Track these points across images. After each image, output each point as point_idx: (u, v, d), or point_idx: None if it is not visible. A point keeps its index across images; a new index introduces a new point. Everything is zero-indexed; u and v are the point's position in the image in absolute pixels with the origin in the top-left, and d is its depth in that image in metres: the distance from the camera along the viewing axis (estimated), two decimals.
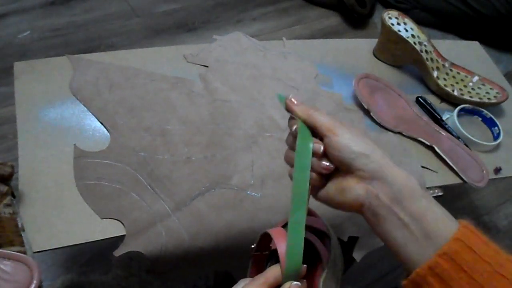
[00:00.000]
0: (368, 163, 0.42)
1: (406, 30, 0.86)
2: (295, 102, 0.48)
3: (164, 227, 0.59)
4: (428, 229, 0.39)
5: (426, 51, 0.85)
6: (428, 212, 0.40)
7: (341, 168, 0.44)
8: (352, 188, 0.43)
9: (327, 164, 0.44)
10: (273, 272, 0.42)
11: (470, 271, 0.36)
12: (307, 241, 0.45)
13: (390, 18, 0.86)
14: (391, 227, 0.41)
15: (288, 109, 0.49)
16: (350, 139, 0.43)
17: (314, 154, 0.44)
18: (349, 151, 0.42)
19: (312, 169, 0.45)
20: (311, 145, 0.45)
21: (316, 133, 0.46)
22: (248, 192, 0.64)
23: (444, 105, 0.86)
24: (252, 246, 0.48)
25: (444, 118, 0.81)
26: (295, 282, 0.41)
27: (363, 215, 0.44)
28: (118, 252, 0.56)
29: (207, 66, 0.79)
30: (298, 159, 0.45)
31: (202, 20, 1.65)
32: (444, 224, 0.39)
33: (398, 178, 0.41)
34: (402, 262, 0.41)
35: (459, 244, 0.37)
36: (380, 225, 0.42)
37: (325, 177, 0.45)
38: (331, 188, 0.45)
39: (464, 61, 0.90)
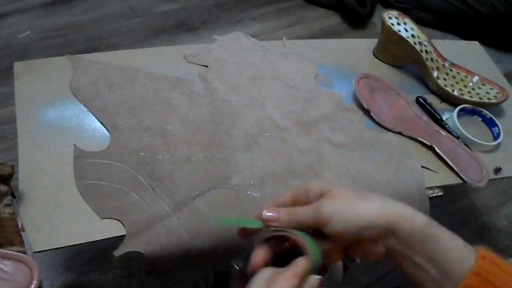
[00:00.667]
0: (372, 231, 0.41)
1: (406, 30, 0.86)
2: (272, 217, 0.44)
3: (164, 227, 0.59)
4: (444, 267, 0.39)
5: (426, 51, 0.85)
6: (439, 251, 0.40)
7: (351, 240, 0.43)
8: (372, 250, 0.43)
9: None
10: (303, 263, 0.41)
11: None
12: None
13: (390, 18, 0.86)
14: (410, 270, 0.42)
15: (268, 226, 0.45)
16: (343, 220, 0.41)
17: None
18: (351, 232, 0.41)
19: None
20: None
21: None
22: (248, 192, 0.64)
23: (444, 105, 0.86)
24: (236, 266, 0.48)
25: (444, 118, 0.81)
26: (318, 276, 0.42)
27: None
28: (118, 252, 0.56)
29: (207, 66, 0.79)
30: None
31: (202, 20, 1.65)
32: (460, 259, 0.39)
33: (404, 225, 0.41)
34: None
35: (477, 279, 0.37)
36: (401, 268, 0.43)
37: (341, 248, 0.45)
38: (354, 251, 0.45)
39: (464, 61, 0.90)
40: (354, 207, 0.42)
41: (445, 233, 0.41)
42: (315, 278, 0.41)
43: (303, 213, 0.43)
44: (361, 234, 0.41)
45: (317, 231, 0.44)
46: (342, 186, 0.45)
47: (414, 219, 0.41)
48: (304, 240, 0.42)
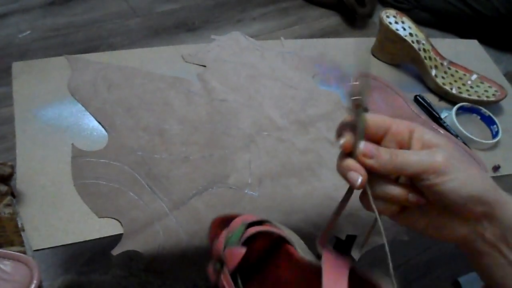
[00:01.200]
0: (479, 206, 0.35)
1: (404, 29, 0.86)
2: (371, 152, 0.36)
3: (162, 226, 0.59)
4: None
5: (424, 50, 0.85)
6: None
7: (441, 207, 0.37)
8: (453, 228, 0.37)
9: (417, 198, 0.36)
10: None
11: None
12: None
13: (388, 17, 0.86)
14: (493, 265, 0.37)
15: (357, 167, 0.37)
16: (459, 179, 0.35)
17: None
18: (456, 197, 0.35)
19: (391, 200, 0.37)
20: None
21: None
22: (246, 191, 0.64)
23: (442, 104, 0.86)
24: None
25: (442, 117, 0.81)
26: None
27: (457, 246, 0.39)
28: (116, 251, 0.56)
29: (205, 66, 0.79)
30: None
31: (202, 20, 1.65)
32: None
33: (510, 215, 0.36)
34: None
35: None
36: (480, 261, 0.38)
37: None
38: (421, 221, 0.38)
39: (462, 60, 0.90)
40: (472, 172, 0.35)
41: None
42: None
43: (411, 158, 0.36)
44: (464, 203, 0.35)
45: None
46: (449, 143, 0.37)
47: None
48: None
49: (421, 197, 0.36)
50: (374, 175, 0.37)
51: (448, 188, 0.35)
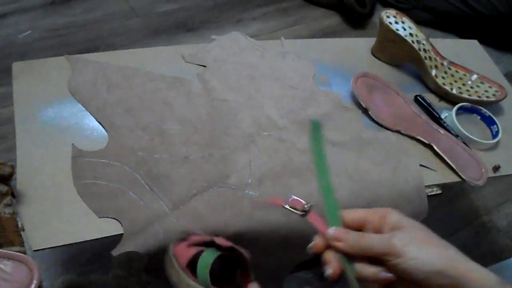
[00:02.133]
0: (442, 280, 0.38)
1: (404, 29, 0.86)
2: (340, 236, 0.42)
3: (162, 227, 0.59)
4: None
5: (424, 50, 0.85)
6: None
7: (411, 282, 0.40)
8: None
9: (387, 275, 0.40)
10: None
11: None
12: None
13: (388, 17, 0.86)
14: None
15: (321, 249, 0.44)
16: (417, 258, 0.38)
17: (370, 278, 0.41)
18: (418, 273, 0.38)
19: (369, 280, 0.41)
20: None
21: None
22: (246, 191, 0.64)
23: (442, 104, 0.86)
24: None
25: (442, 117, 0.81)
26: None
27: None
28: (116, 252, 0.56)
29: (205, 66, 0.79)
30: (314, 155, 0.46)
31: (202, 20, 1.65)
32: None
33: (475, 283, 0.38)
34: None
35: None
36: None
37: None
38: None
39: (462, 60, 0.90)
40: (430, 250, 0.39)
41: None
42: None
43: (373, 240, 0.41)
44: (427, 279, 0.39)
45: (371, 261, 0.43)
46: (420, 225, 0.42)
47: (487, 278, 0.39)
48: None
49: (391, 275, 0.40)
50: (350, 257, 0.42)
51: (409, 267, 0.39)
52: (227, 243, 0.52)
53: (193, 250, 0.52)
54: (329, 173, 0.47)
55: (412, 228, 0.41)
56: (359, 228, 0.44)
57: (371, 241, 0.41)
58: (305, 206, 0.45)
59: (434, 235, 0.41)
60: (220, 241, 0.52)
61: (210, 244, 0.54)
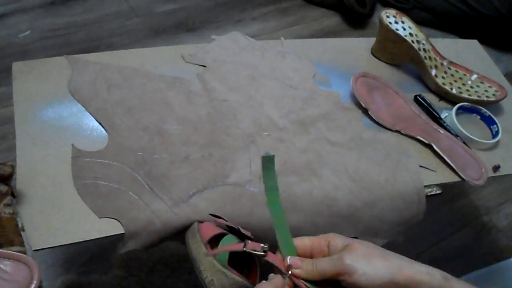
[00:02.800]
0: (394, 287, 0.42)
1: (404, 29, 0.86)
2: (296, 264, 0.46)
3: (162, 223, 0.59)
4: None
5: (424, 50, 0.85)
6: None
7: None
8: None
9: None
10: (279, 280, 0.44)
11: None
12: None
13: (388, 17, 0.86)
14: None
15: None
16: (366, 273, 0.42)
17: None
18: (372, 286, 0.42)
19: None
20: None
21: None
22: (247, 187, 0.64)
23: (442, 104, 0.86)
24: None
25: (442, 117, 0.81)
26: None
27: None
28: (121, 249, 0.56)
29: (205, 66, 0.79)
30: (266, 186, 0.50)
31: (202, 20, 1.65)
32: None
33: (423, 284, 0.41)
34: None
35: None
36: None
37: None
38: None
39: (462, 60, 0.90)
40: (376, 263, 0.43)
41: (462, 286, 0.41)
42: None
43: (326, 263, 0.44)
44: None
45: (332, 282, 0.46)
46: (362, 241, 0.46)
47: (433, 276, 0.42)
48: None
49: None
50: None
51: (363, 282, 0.42)
52: (250, 235, 0.55)
53: (218, 230, 0.55)
54: (281, 205, 0.50)
55: (358, 245, 0.44)
56: (310, 255, 0.48)
57: (324, 264, 0.45)
58: (264, 246, 0.48)
59: (378, 248, 0.45)
60: (244, 231, 0.55)
61: (233, 232, 0.56)
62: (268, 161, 0.51)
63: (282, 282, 0.44)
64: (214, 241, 0.54)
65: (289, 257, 0.46)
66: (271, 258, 0.47)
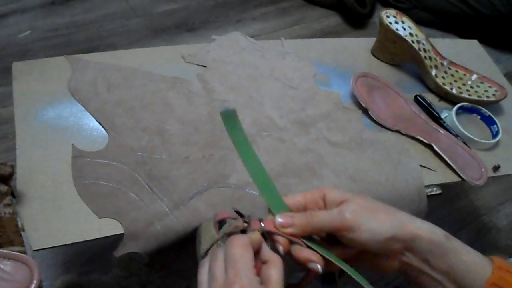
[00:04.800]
0: (396, 244, 0.41)
1: (404, 29, 0.86)
2: (286, 223, 0.43)
3: (162, 227, 0.59)
4: (461, 281, 0.39)
5: (424, 50, 0.85)
6: (458, 264, 0.39)
7: (368, 252, 0.42)
8: (386, 264, 0.43)
9: (314, 267, 0.41)
10: (256, 235, 0.41)
11: None
12: None
13: (388, 17, 0.86)
14: (427, 285, 0.41)
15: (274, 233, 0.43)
16: (370, 229, 0.40)
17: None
18: (373, 243, 0.40)
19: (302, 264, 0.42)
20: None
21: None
22: (246, 190, 0.64)
23: (442, 104, 0.86)
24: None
25: (442, 117, 0.81)
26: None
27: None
28: (118, 253, 0.56)
29: (205, 66, 0.79)
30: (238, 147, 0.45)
31: (202, 20, 1.65)
32: (476, 272, 0.39)
33: (424, 240, 0.40)
34: None
35: None
36: (416, 283, 0.42)
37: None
38: (363, 263, 0.44)
39: (462, 60, 0.90)
40: (380, 217, 0.41)
41: (462, 246, 0.41)
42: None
43: (324, 217, 0.42)
44: (383, 246, 0.40)
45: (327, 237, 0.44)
46: (362, 195, 0.44)
47: (434, 233, 0.41)
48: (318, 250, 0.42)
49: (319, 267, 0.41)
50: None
51: (364, 239, 0.40)
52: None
53: (233, 215, 0.50)
54: (260, 160, 0.46)
55: (357, 199, 0.42)
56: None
57: (322, 218, 0.41)
58: (246, 219, 0.44)
59: (379, 202, 0.42)
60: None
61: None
62: (229, 117, 0.46)
63: (259, 238, 0.41)
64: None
65: (278, 215, 0.43)
66: (254, 225, 0.43)
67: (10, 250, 0.50)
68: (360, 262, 0.44)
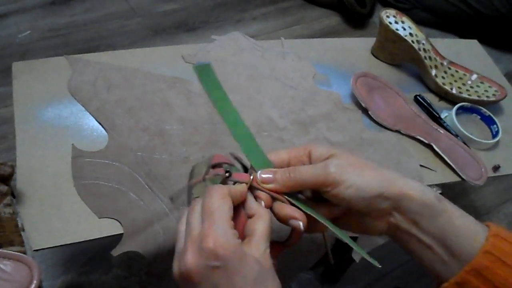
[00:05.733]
0: (383, 203, 0.38)
1: (404, 29, 0.86)
2: (268, 179, 0.40)
3: (162, 227, 0.59)
4: (452, 246, 0.36)
5: (424, 50, 0.85)
6: (449, 228, 0.37)
7: (354, 211, 0.40)
8: (373, 225, 0.40)
9: (295, 223, 0.39)
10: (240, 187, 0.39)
11: (503, 286, 0.33)
12: None
13: (388, 17, 0.86)
14: (415, 249, 0.39)
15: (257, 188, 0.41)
16: (355, 184, 0.38)
17: (295, 229, 0.40)
18: (359, 200, 0.38)
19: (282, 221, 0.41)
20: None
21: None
22: None
23: (442, 103, 0.86)
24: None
25: (442, 117, 0.81)
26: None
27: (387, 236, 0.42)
28: (116, 252, 0.56)
29: None
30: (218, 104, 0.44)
31: (202, 20, 1.65)
32: (469, 237, 0.36)
33: (414, 200, 0.38)
34: (435, 278, 0.39)
35: (488, 258, 0.34)
36: (404, 247, 0.40)
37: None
38: (349, 224, 0.42)
39: (462, 60, 0.90)
40: (367, 174, 0.38)
41: (455, 210, 0.38)
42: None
43: (307, 172, 0.39)
44: (369, 204, 0.38)
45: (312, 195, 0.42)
46: (345, 151, 0.41)
47: (425, 193, 0.38)
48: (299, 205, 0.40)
49: (299, 223, 0.39)
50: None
51: (349, 195, 0.38)
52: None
53: (228, 161, 0.47)
54: (239, 115, 0.44)
55: (344, 155, 0.40)
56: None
57: (305, 173, 0.39)
58: (226, 168, 0.42)
59: (368, 161, 0.40)
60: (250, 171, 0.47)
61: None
62: (204, 71, 0.44)
63: (242, 190, 0.39)
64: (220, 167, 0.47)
65: (260, 171, 0.41)
66: (237, 176, 0.41)
67: (10, 250, 0.50)
68: (346, 223, 0.42)
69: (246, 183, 0.41)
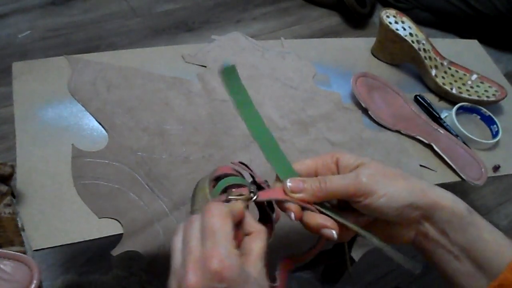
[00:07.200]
0: (413, 212, 0.38)
1: (404, 29, 0.86)
2: (297, 188, 0.39)
3: (162, 227, 0.59)
4: (480, 259, 0.36)
5: (424, 50, 0.85)
6: (478, 241, 0.37)
7: (382, 220, 0.40)
8: (401, 234, 0.40)
9: (329, 232, 0.39)
10: (238, 204, 0.38)
11: None
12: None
13: (388, 17, 0.86)
14: (441, 259, 0.39)
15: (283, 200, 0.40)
16: (387, 194, 0.37)
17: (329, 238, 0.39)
18: (390, 210, 0.37)
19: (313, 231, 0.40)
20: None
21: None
22: None
23: (442, 104, 0.86)
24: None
25: (442, 117, 0.81)
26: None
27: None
28: (115, 251, 0.56)
29: (205, 66, 0.79)
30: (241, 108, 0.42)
31: (202, 20, 1.65)
32: (498, 252, 0.36)
33: (445, 210, 0.38)
34: None
35: None
36: (428, 257, 0.40)
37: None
38: (375, 233, 0.41)
39: (462, 60, 0.90)
40: (398, 183, 0.38)
41: (485, 224, 0.38)
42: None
43: (338, 182, 0.38)
44: (400, 213, 0.38)
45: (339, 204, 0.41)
46: (378, 160, 0.40)
47: (457, 204, 0.38)
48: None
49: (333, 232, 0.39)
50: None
51: (380, 205, 0.37)
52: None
53: (231, 171, 0.45)
54: (263, 121, 0.42)
55: (373, 163, 0.39)
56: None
57: (336, 183, 0.39)
58: (252, 189, 0.40)
59: (397, 169, 0.40)
60: (259, 180, 0.45)
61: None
62: (230, 73, 0.43)
63: (241, 209, 0.37)
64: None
65: (288, 180, 0.39)
66: (265, 195, 0.39)
67: (10, 250, 0.50)
68: (373, 232, 0.41)
69: (243, 200, 0.39)
